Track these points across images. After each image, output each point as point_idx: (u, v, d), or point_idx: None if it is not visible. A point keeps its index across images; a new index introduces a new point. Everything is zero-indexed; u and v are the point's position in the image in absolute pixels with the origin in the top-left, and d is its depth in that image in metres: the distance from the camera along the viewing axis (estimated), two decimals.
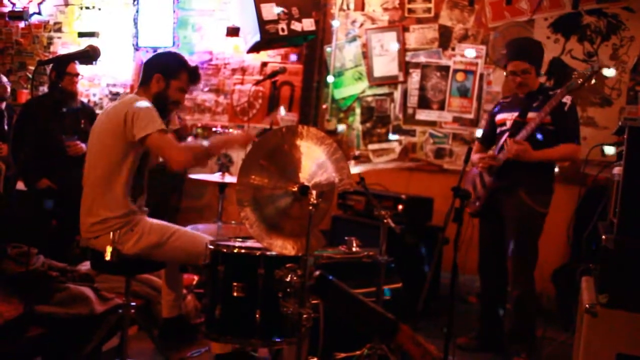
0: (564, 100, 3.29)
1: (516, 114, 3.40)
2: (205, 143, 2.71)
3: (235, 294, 2.29)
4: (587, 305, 2.15)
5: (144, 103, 2.65)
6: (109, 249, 2.57)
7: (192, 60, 5.57)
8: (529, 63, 3.34)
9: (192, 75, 2.86)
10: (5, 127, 4.20)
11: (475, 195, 3.52)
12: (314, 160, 2.10)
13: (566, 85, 3.21)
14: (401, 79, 5.04)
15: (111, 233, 2.60)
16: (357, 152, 5.12)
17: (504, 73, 4.57)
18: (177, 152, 2.59)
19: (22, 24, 6.22)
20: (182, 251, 2.73)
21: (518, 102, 3.46)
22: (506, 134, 3.40)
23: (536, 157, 3.29)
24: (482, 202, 3.50)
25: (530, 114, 3.32)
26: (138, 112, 2.58)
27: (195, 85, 2.94)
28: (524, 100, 3.42)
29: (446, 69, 4.91)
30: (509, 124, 3.43)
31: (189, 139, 3.87)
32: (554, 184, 3.46)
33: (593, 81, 3.18)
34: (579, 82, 3.18)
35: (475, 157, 3.54)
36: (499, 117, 3.54)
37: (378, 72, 5.12)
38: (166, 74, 2.78)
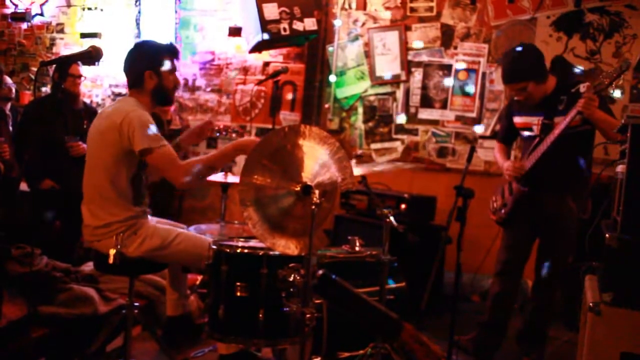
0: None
1: (540, 117, 3.22)
2: (205, 156, 2.68)
3: (238, 293, 2.29)
4: (590, 304, 2.14)
5: (139, 111, 2.61)
6: (112, 252, 2.57)
7: (192, 59, 5.61)
8: (522, 81, 3.15)
9: (172, 52, 2.81)
10: (10, 128, 4.21)
11: (502, 202, 3.36)
12: (316, 160, 2.10)
13: (594, 86, 3.01)
14: (403, 78, 5.03)
15: (114, 236, 2.59)
16: (359, 152, 5.12)
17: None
18: (178, 173, 2.57)
19: (24, 25, 6.22)
20: (185, 254, 2.73)
21: (539, 104, 3.25)
22: (536, 140, 3.20)
23: (599, 116, 2.99)
24: (508, 210, 3.33)
25: (557, 119, 3.12)
26: (134, 123, 2.54)
27: (178, 58, 2.86)
28: (545, 102, 3.22)
29: (448, 67, 4.91)
30: (536, 129, 3.24)
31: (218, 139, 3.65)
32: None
33: (621, 81, 3.02)
34: (606, 82, 2.98)
35: (505, 165, 3.36)
36: (519, 120, 3.36)
37: (380, 72, 5.12)
38: (154, 67, 2.74)
